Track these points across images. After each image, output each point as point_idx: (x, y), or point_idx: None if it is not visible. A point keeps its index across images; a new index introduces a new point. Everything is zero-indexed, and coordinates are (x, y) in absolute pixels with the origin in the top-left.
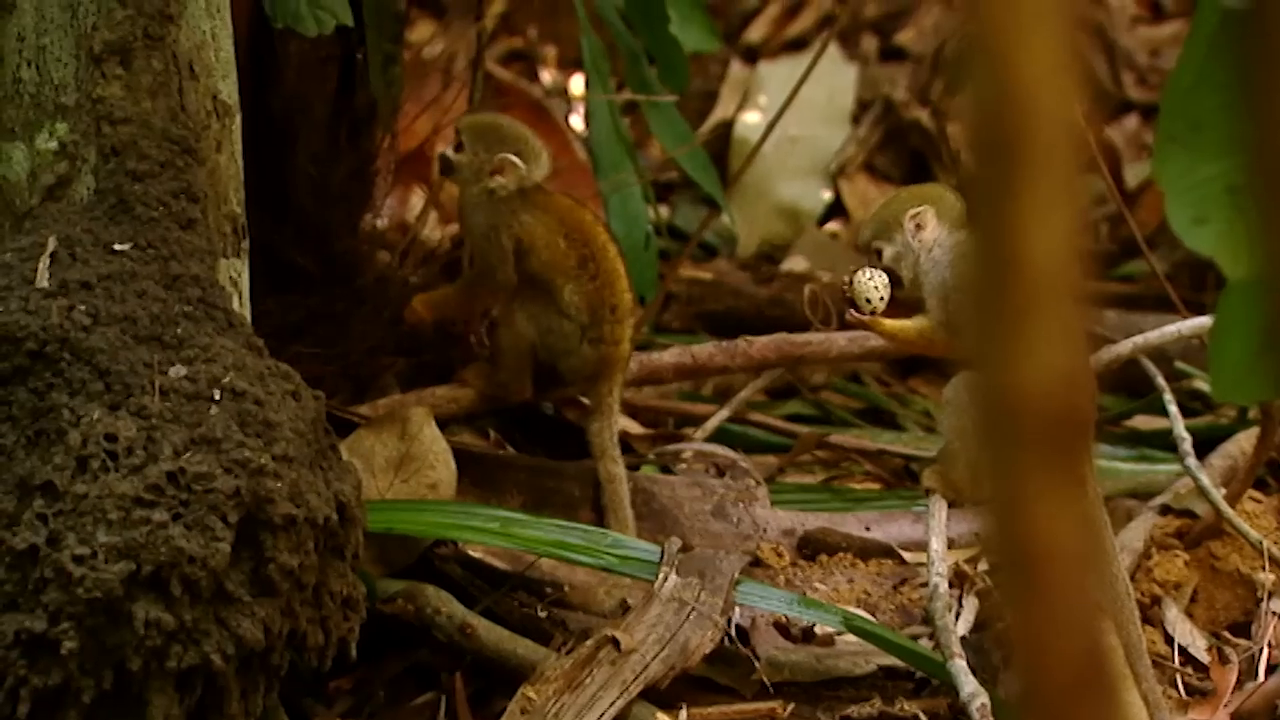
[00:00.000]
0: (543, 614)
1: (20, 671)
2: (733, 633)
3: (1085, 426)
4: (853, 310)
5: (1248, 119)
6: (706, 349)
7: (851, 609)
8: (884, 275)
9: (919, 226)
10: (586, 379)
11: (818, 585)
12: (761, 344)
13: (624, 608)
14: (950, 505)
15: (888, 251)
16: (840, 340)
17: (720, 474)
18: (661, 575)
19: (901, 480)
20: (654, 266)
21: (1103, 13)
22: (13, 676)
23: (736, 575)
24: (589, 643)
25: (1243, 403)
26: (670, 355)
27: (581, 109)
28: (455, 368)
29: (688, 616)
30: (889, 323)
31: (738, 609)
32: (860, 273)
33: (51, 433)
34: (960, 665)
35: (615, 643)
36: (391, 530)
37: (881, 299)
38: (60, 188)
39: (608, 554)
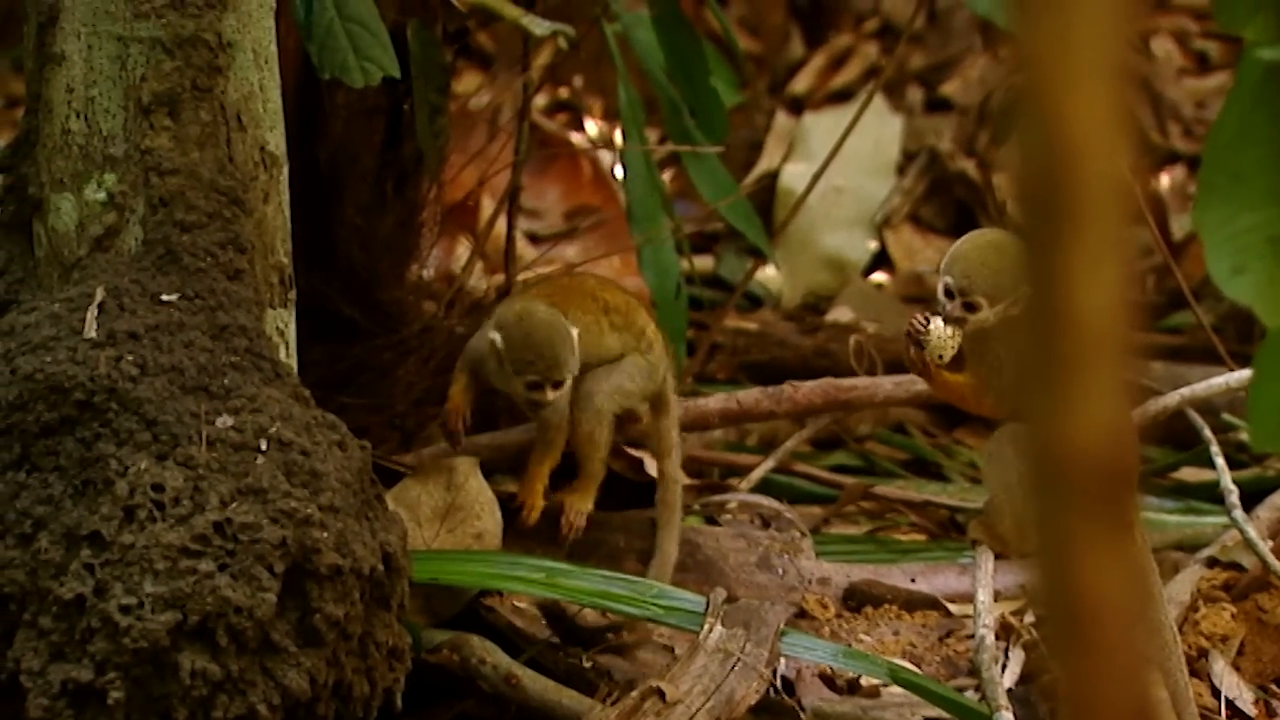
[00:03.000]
0: (588, 664)
1: None
2: (778, 684)
3: (1132, 479)
4: (919, 354)
5: None
6: (752, 394)
7: (897, 661)
8: (956, 330)
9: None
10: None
11: (863, 637)
12: (807, 389)
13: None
14: (996, 557)
15: (984, 313)
16: (886, 385)
17: (765, 525)
18: (706, 626)
19: (947, 532)
20: (684, 316)
21: (1149, 65)
22: None
23: (781, 626)
24: (634, 694)
25: None
26: (716, 401)
27: None
28: (499, 418)
29: (733, 668)
30: (951, 376)
31: (783, 660)
32: (936, 323)
33: (99, 483)
34: (1007, 718)
35: (660, 694)
36: (437, 581)
37: (952, 351)
38: (108, 238)
39: (652, 604)
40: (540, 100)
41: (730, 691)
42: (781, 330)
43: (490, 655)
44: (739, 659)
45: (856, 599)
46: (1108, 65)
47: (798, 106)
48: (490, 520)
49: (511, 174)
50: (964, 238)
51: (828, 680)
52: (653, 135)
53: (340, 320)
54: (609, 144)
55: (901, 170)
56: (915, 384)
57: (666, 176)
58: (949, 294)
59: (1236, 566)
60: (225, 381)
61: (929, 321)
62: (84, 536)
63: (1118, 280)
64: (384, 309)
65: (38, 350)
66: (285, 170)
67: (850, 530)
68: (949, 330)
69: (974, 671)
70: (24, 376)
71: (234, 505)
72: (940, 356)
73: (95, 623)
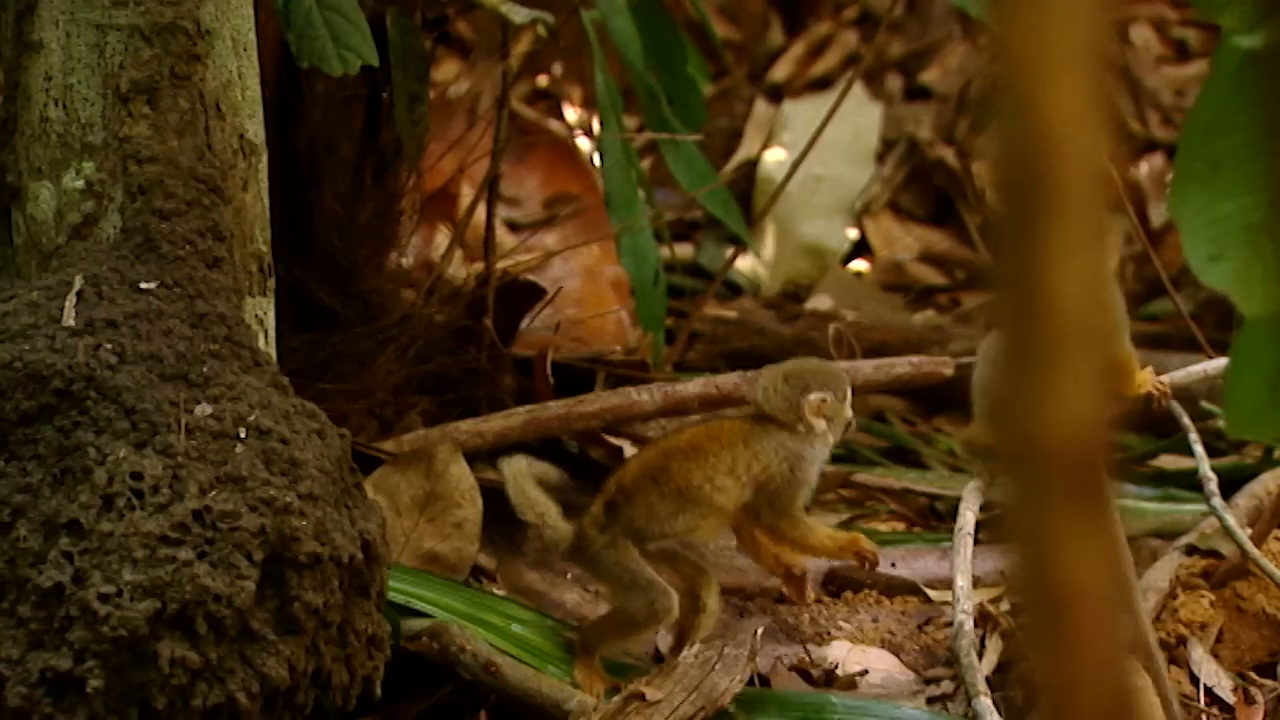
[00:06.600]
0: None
1: (46, 710)
2: (756, 680)
3: (1109, 467)
4: None
5: (1267, 157)
6: (731, 379)
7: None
8: None
9: None
10: None
11: (842, 624)
12: None
13: (655, 654)
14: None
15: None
16: (866, 368)
17: None
18: (688, 645)
19: (926, 520)
20: (662, 303)
21: (1128, 53)
22: (38, 715)
23: (760, 631)
24: (616, 699)
25: (1257, 439)
26: (695, 386)
27: None
28: (480, 406)
29: (714, 666)
30: None
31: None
32: None
33: (77, 471)
34: (985, 704)
35: (641, 696)
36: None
37: None
38: (87, 226)
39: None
40: (519, 88)
41: (713, 685)
42: (761, 318)
43: (470, 643)
44: (719, 659)
45: (836, 583)
46: (1086, 53)
47: (777, 94)
48: (471, 509)
49: (490, 162)
50: None
51: (803, 673)
52: (634, 123)
53: (319, 308)
54: (588, 132)
55: (881, 158)
56: (894, 368)
57: (646, 164)
58: None
59: (1215, 554)
60: (204, 370)
61: None
62: (63, 525)
63: (1096, 268)
64: (363, 297)
65: (16, 338)
66: (264, 158)
67: (830, 518)
68: None
69: (952, 660)
70: (2, 365)
71: (213, 493)
72: None
73: (74, 611)
